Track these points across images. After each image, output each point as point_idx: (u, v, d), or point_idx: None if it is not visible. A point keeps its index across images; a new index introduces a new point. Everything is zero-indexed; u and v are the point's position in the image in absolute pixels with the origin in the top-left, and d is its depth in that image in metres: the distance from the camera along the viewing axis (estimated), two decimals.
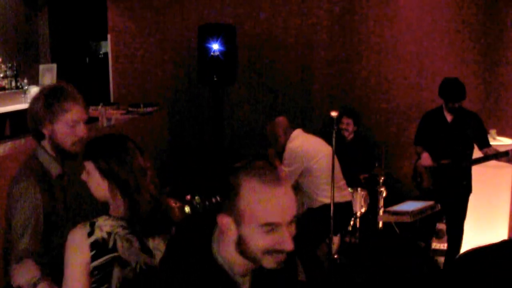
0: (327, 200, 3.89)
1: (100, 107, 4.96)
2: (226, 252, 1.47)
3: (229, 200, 1.42)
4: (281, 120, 4.29)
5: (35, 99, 2.28)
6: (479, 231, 4.82)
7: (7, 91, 6.39)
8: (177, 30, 6.65)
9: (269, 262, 1.43)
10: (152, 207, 1.91)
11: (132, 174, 1.91)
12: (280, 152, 4.17)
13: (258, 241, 1.40)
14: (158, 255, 1.84)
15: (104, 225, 1.86)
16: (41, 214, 2.20)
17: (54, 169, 2.29)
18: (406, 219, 3.21)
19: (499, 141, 4.89)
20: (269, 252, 1.41)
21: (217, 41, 5.56)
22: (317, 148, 4.11)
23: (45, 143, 2.30)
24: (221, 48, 5.57)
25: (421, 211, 3.27)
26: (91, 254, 1.82)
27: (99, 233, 1.84)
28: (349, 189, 4.37)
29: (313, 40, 6.25)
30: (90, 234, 1.83)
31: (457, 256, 1.51)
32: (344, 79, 6.20)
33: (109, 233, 1.85)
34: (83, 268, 1.81)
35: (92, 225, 1.85)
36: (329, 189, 3.82)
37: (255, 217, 1.39)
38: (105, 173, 1.93)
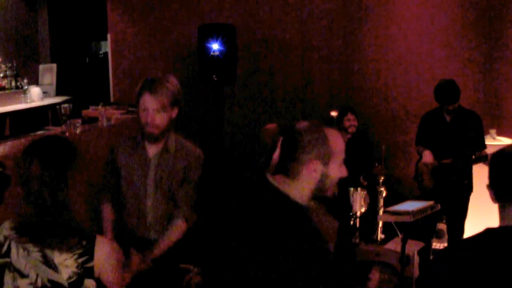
0: None
1: (100, 107, 4.96)
2: (298, 190, 1.83)
3: (319, 149, 1.77)
4: (268, 127, 4.14)
5: (175, 81, 2.61)
6: (479, 231, 4.81)
7: (7, 91, 6.40)
8: (177, 30, 6.65)
9: (332, 190, 1.87)
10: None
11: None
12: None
13: (339, 172, 1.82)
14: (65, 271, 1.65)
15: (5, 228, 1.76)
16: None
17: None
18: (407, 219, 3.19)
19: (499, 141, 4.88)
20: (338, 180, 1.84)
21: (217, 41, 5.57)
22: None
23: None
24: (221, 48, 5.57)
25: (421, 211, 3.26)
26: None
27: None
28: (348, 188, 4.35)
29: (312, 40, 6.25)
30: None
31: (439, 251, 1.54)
32: (344, 79, 6.20)
33: (5, 237, 1.74)
34: None
35: None
36: None
37: (339, 154, 1.82)
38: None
